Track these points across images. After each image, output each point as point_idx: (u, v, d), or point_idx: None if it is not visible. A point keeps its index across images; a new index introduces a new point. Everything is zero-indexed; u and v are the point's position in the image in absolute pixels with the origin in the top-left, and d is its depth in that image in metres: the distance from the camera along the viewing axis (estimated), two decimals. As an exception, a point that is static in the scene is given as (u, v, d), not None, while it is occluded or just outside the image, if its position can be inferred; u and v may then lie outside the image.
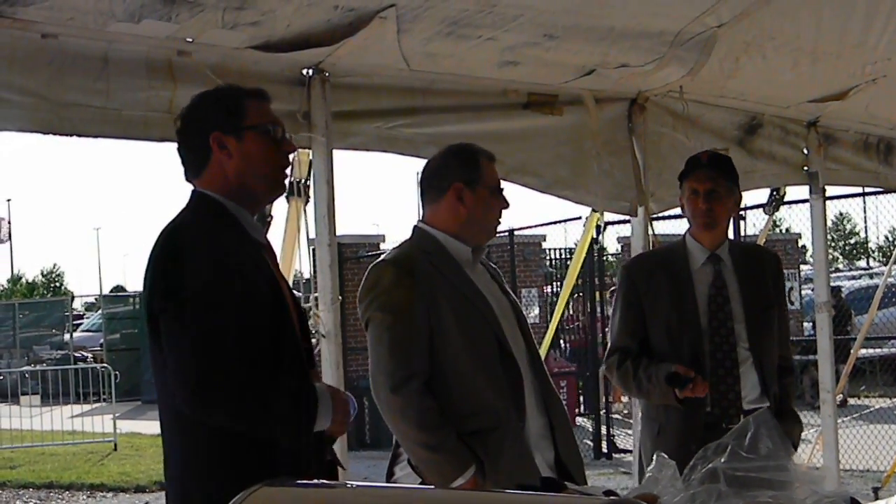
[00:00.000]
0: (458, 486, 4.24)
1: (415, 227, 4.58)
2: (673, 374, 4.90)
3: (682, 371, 4.86)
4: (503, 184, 4.58)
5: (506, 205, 4.52)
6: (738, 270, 5.14)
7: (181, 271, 3.37)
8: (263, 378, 3.36)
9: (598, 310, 16.57)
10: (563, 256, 19.82)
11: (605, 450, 15.85)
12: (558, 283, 19.64)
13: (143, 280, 3.51)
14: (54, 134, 4.31)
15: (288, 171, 3.77)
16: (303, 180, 5.23)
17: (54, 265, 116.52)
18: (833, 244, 65.21)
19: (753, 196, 8.31)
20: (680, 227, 15.90)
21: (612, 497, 2.86)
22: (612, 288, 18.41)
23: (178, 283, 3.36)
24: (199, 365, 3.28)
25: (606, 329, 16.95)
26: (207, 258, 3.38)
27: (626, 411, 16.75)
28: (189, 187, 3.65)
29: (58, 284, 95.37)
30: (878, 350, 19.29)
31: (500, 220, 4.55)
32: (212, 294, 3.33)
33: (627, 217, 6.63)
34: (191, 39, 4.43)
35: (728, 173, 5.13)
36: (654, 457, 3.01)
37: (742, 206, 5.71)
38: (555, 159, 5.99)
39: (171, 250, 3.44)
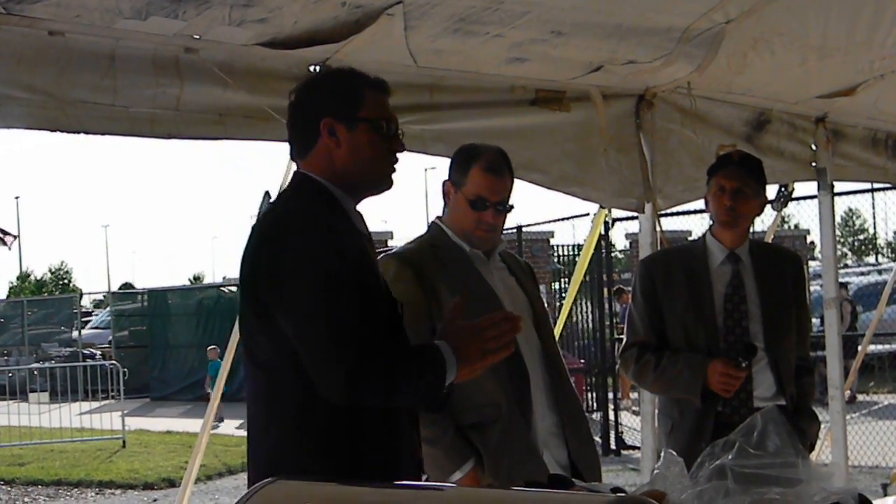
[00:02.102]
0: (457, 480, 4.25)
1: (432, 222, 4.60)
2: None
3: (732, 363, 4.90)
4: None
5: (487, 219, 4.45)
6: (757, 270, 5.13)
7: (298, 257, 3.27)
8: (404, 354, 3.33)
9: (607, 306, 16.59)
10: (571, 253, 19.83)
11: (613, 446, 15.87)
12: (566, 280, 19.64)
13: (245, 267, 3.40)
14: (61, 131, 4.31)
15: (397, 167, 3.62)
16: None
17: (63, 262, 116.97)
18: (842, 240, 65.14)
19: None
20: (688, 223, 16.01)
21: (619, 494, 2.87)
22: (618, 286, 18.50)
23: (297, 269, 3.26)
24: (347, 351, 3.18)
25: (619, 325, 17.09)
26: (326, 242, 3.29)
27: (634, 408, 16.75)
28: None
29: (66, 282, 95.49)
30: (886, 346, 19.26)
31: (484, 230, 4.47)
32: (340, 278, 3.25)
33: (636, 213, 6.62)
34: (198, 36, 4.43)
35: (757, 175, 5.12)
36: (662, 454, 3.01)
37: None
38: (562, 156, 5.98)
39: (285, 236, 3.33)
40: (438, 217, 4.61)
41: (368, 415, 3.34)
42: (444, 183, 4.56)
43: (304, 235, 3.31)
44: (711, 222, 5.20)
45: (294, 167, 3.63)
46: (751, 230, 5.38)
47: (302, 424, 3.35)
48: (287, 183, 3.70)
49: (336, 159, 3.47)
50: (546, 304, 4.96)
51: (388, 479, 3.24)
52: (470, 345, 3.36)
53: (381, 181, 3.57)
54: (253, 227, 3.49)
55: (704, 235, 5.24)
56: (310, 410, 3.31)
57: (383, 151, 3.53)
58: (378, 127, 3.49)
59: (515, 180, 4.61)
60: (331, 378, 3.21)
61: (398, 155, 3.58)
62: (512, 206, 4.52)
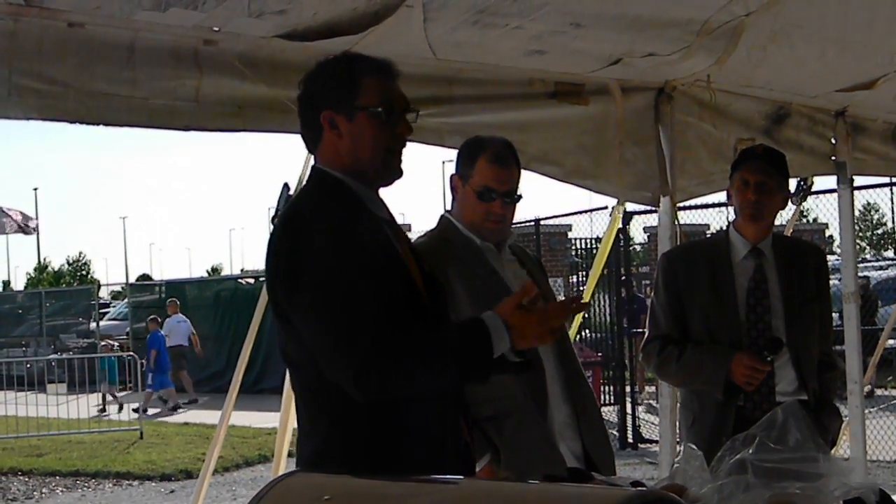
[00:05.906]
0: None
1: (441, 216, 4.59)
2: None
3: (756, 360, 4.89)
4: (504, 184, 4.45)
5: (496, 210, 4.43)
6: (779, 265, 5.11)
7: (306, 257, 3.25)
8: (419, 337, 3.27)
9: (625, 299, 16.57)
10: (588, 246, 19.81)
11: (630, 440, 15.85)
12: (584, 273, 19.62)
13: (267, 266, 3.40)
14: (81, 123, 4.30)
15: (405, 153, 3.55)
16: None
17: (81, 254, 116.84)
18: (860, 234, 64.88)
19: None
20: (706, 217, 15.96)
21: (639, 488, 2.86)
22: (622, 277, 18.44)
23: (305, 269, 3.24)
24: (354, 351, 3.13)
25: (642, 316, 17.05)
26: (335, 240, 3.24)
27: (651, 401, 16.73)
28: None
29: (84, 273, 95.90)
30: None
31: (493, 221, 4.46)
32: (350, 276, 3.20)
33: (654, 207, 6.60)
34: (217, 28, 4.43)
35: (780, 169, 5.11)
36: (682, 448, 3.00)
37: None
38: (577, 148, 5.97)
39: (292, 234, 3.32)
40: (447, 211, 4.61)
41: (409, 405, 3.30)
42: (452, 177, 4.56)
43: (311, 235, 3.28)
44: (735, 216, 5.19)
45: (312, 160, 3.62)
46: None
47: (343, 418, 3.32)
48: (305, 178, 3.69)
49: (341, 151, 3.44)
50: (563, 297, 4.95)
51: (436, 466, 3.18)
52: (532, 325, 3.24)
53: (387, 170, 3.50)
54: (272, 227, 3.50)
55: (727, 229, 5.23)
56: (349, 405, 3.26)
57: (385, 139, 3.46)
58: (376, 114, 3.44)
59: (530, 173, 4.58)
60: (341, 379, 3.20)
61: (406, 140, 3.52)
62: (520, 197, 4.50)
